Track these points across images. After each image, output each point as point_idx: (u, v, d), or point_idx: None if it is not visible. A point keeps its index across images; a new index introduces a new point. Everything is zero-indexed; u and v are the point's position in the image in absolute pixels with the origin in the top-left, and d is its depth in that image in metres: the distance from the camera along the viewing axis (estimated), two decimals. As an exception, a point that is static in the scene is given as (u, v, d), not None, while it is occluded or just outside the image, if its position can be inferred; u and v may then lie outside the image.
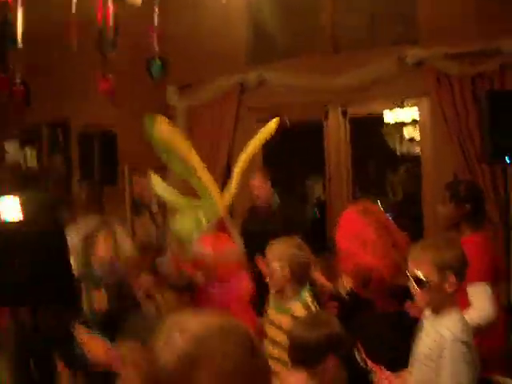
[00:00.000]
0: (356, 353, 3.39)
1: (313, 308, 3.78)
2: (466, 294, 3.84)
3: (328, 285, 4.81)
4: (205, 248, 4.55)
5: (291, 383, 2.87)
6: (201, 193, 4.75)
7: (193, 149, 4.57)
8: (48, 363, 4.77)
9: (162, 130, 4.44)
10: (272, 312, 3.96)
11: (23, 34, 5.77)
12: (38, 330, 4.21)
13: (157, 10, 6.16)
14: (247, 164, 4.94)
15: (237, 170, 4.81)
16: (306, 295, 3.81)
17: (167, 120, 4.46)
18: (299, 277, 3.89)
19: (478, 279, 3.86)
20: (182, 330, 1.49)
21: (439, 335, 2.95)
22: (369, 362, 3.29)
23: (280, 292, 3.97)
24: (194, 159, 4.51)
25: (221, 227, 4.84)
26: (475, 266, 3.68)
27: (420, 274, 2.94)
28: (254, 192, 6.74)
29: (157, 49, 6.35)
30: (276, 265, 3.85)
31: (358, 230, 4.11)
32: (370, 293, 4.03)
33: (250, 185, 6.73)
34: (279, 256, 3.86)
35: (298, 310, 3.75)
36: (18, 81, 6.00)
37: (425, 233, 7.43)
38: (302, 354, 2.92)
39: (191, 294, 4.30)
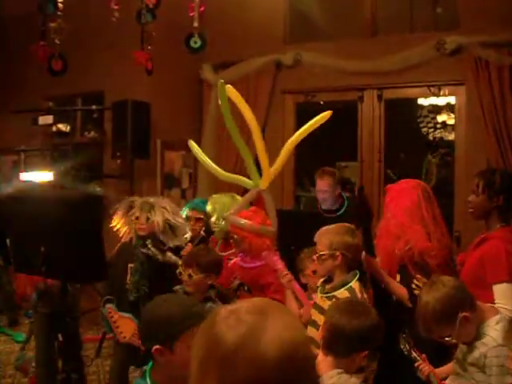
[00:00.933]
0: (402, 340, 3.39)
1: (359, 296, 3.69)
2: (490, 292, 3.75)
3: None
4: (241, 220, 4.55)
5: (320, 366, 2.86)
6: (249, 167, 4.74)
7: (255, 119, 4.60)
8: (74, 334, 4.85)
9: (233, 96, 4.44)
10: (317, 297, 3.91)
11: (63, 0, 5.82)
12: (65, 302, 4.27)
13: (198, -13, 6.18)
14: (292, 149, 4.91)
15: (283, 153, 4.78)
16: (355, 283, 3.75)
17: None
18: (350, 264, 3.81)
19: (507, 279, 3.76)
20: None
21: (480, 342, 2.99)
22: (415, 353, 3.29)
23: (327, 279, 3.92)
24: (255, 128, 4.53)
25: (258, 202, 4.84)
26: (503, 265, 3.66)
27: None
28: (319, 195, 6.34)
29: (196, 25, 6.35)
30: (327, 252, 3.77)
31: (415, 206, 4.15)
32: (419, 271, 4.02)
33: (316, 186, 6.42)
34: (330, 243, 3.78)
35: (345, 298, 3.61)
36: (56, 53, 6.02)
37: (455, 219, 7.40)
38: (334, 341, 2.89)
39: (216, 276, 4.27)
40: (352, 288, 3.68)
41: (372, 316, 2.94)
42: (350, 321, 2.86)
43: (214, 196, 5.50)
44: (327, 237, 3.82)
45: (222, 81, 4.45)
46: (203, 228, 5.58)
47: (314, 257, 3.86)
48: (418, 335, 3.18)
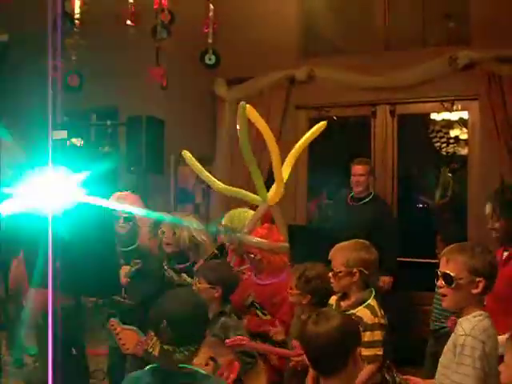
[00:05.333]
0: (385, 369, 3.39)
1: (379, 313, 3.68)
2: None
3: None
4: (256, 239, 4.58)
5: None
6: (257, 184, 4.79)
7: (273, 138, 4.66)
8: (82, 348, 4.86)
9: (252, 116, 4.51)
10: None
11: (80, 17, 5.88)
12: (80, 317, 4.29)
13: (211, 5, 6.23)
14: (294, 161, 4.97)
15: (286, 166, 4.85)
16: (373, 300, 3.74)
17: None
18: (366, 281, 3.80)
19: None
20: None
21: (455, 335, 2.97)
22: (399, 376, 3.29)
23: (343, 295, 3.89)
24: (273, 148, 4.58)
25: (268, 218, 4.88)
26: None
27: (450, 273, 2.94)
28: (354, 179, 6.87)
29: (211, 41, 6.41)
30: (344, 269, 3.74)
31: None
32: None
33: (352, 171, 6.91)
34: (347, 260, 3.75)
35: (367, 316, 3.63)
36: (72, 69, 6.09)
37: (468, 233, 7.38)
38: (323, 357, 2.73)
39: (223, 289, 4.28)
40: (371, 305, 3.68)
41: (335, 320, 2.78)
42: (320, 328, 2.74)
43: (232, 211, 5.51)
44: (343, 254, 3.79)
45: (244, 103, 4.50)
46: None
47: (330, 274, 3.81)
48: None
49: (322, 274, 4.04)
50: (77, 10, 5.75)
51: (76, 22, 5.78)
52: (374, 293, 3.78)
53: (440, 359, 3.05)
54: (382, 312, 3.72)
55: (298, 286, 4.04)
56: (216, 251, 5.38)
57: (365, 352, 3.34)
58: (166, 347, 2.69)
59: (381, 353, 3.56)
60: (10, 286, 5.85)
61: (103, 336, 6.82)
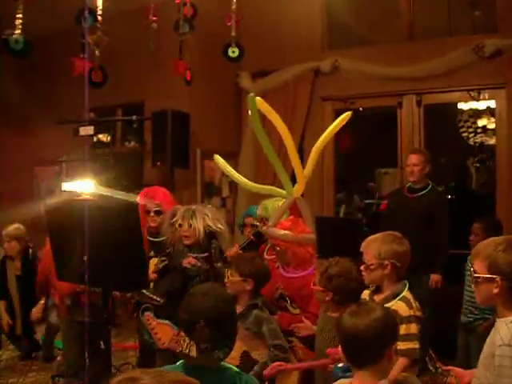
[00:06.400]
0: (427, 359, 3.33)
1: (414, 306, 3.60)
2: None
3: None
4: (282, 231, 4.58)
5: None
6: (281, 176, 4.79)
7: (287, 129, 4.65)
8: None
9: (263, 107, 4.50)
10: None
11: (103, 12, 5.91)
12: (108, 312, 4.30)
13: (235, -2, 6.24)
14: (320, 152, 4.96)
15: (312, 157, 4.84)
16: (407, 292, 3.70)
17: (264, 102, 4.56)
18: (399, 273, 3.72)
19: None
20: None
21: (492, 340, 2.86)
22: (442, 367, 3.23)
23: (376, 289, 3.82)
24: (288, 139, 4.58)
25: (294, 210, 4.86)
26: None
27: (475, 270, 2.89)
28: (408, 169, 6.68)
29: (234, 34, 6.40)
30: (376, 261, 3.68)
31: None
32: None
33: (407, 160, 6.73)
34: (378, 252, 3.69)
35: (403, 309, 3.56)
36: (96, 65, 6.11)
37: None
38: (358, 350, 2.70)
39: (255, 282, 4.28)
40: (406, 298, 3.62)
41: (377, 312, 2.75)
42: (361, 322, 2.70)
43: (265, 201, 5.49)
44: (374, 246, 3.74)
45: (252, 94, 4.50)
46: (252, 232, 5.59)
47: (362, 267, 3.76)
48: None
49: (345, 271, 3.97)
50: (100, 5, 5.76)
51: (99, 17, 5.79)
52: (407, 285, 3.71)
53: (480, 359, 2.98)
54: (418, 304, 3.65)
55: (320, 283, 4.01)
56: (252, 238, 5.38)
57: (400, 345, 3.28)
58: (203, 346, 2.67)
59: (416, 346, 3.49)
60: (38, 280, 5.92)
61: (131, 330, 6.92)
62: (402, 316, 3.50)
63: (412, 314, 3.56)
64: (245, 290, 4.22)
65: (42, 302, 6.44)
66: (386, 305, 3.52)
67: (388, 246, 3.68)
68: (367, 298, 3.80)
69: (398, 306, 3.56)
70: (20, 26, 5.12)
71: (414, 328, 3.52)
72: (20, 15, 5.07)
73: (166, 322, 4.52)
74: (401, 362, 3.41)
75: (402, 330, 3.39)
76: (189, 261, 4.74)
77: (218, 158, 5.18)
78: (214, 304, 2.75)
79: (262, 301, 4.25)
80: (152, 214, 5.28)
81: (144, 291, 4.83)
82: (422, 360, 3.51)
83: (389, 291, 3.70)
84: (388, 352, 2.67)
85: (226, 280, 4.33)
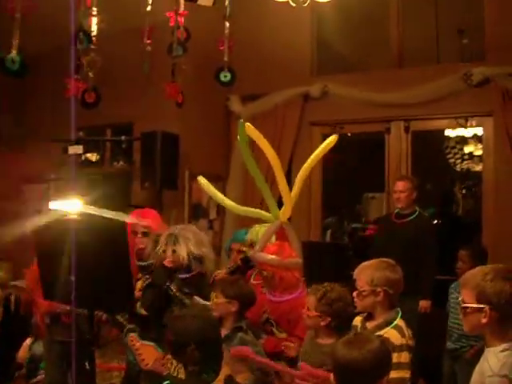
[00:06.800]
0: None
1: (407, 334, 3.59)
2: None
3: None
4: (268, 256, 4.59)
5: None
6: (267, 200, 4.81)
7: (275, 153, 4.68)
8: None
9: (252, 133, 4.54)
10: None
11: (96, 34, 5.94)
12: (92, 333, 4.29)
13: (227, 23, 6.28)
14: (307, 176, 4.99)
15: (298, 181, 4.87)
16: (400, 320, 3.65)
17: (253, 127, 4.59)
18: (392, 301, 3.70)
19: None
20: None
21: (481, 370, 2.83)
22: None
23: (368, 315, 3.79)
24: (275, 163, 4.61)
25: (280, 235, 4.87)
26: None
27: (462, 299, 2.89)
28: (395, 195, 6.79)
29: (226, 59, 6.45)
30: (368, 288, 3.66)
31: None
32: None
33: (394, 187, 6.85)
34: (371, 279, 3.67)
35: (395, 337, 3.52)
36: (89, 86, 6.13)
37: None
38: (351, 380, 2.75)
39: (239, 304, 4.28)
40: (399, 326, 3.60)
41: (373, 343, 2.80)
42: (357, 352, 2.72)
43: (256, 226, 5.50)
44: (368, 272, 3.72)
45: (242, 120, 4.55)
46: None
47: (354, 293, 3.75)
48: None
49: (343, 295, 3.98)
50: (93, 27, 5.80)
51: (93, 39, 5.82)
52: (399, 313, 3.69)
53: None
54: (410, 333, 3.63)
55: (318, 309, 3.99)
56: (240, 263, 5.39)
57: (392, 374, 3.24)
58: (191, 368, 2.67)
59: (408, 375, 3.47)
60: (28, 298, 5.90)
61: (115, 350, 6.87)
62: (394, 344, 3.47)
63: (404, 342, 3.53)
64: (230, 312, 4.23)
65: (28, 342, 6.42)
66: (379, 332, 3.52)
67: (381, 273, 3.66)
68: (359, 325, 3.80)
69: (390, 333, 3.54)
70: (16, 46, 5.12)
71: (405, 357, 3.49)
72: (17, 35, 5.08)
73: (151, 343, 4.51)
74: None
75: (394, 358, 3.33)
76: (168, 261, 4.74)
77: (201, 179, 5.18)
78: (204, 327, 2.76)
79: (246, 324, 4.25)
80: (139, 235, 5.26)
81: (118, 317, 4.82)
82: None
83: (381, 319, 3.67)
84: (380, 383, 2.67)
85: (210, 302, 4.35)
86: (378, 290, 3.64)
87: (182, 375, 2.67)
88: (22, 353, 6.47)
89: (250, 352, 4.02)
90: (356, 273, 3.80)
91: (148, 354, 4.52)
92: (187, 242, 4.81)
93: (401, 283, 3.75)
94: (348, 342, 2.77)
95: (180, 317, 2.84)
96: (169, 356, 2.74)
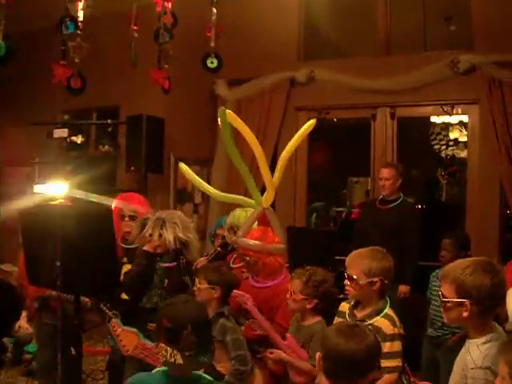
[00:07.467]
0: (403, 376, 3.35)
1: (398, 323, 3.59)
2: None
3: None
4: (251, 241, 4.59)
5: None
6: (250, 187, 4.81)
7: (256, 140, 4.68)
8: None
9: (233, 120, 4.52)
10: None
11: (83, 20, 5.92)
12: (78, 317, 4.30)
13: (214, 9, 6.26)
14: (288, 160, 4.98)
15: (279, 165, 4.86)
16: (389, 309, 3.65)
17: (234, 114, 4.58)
18: (384, 290, 3.69)
19: None
20: None
21: (464, 362, 2.87)
22: (416, 382, 3.25)
23: (355, 303, 3.80)
24: (257, 150, 4.60)
25: (263, 220, 4.87)
26: None
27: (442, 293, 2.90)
28: (380, 182, 6.81)
29: (213, 45, 6.43)
30: (365, 278, 3.62)
31: None
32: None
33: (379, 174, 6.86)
34: (368, 269, 3.63)
35: (386, 327, 3.53)
36: (75, 72, 6.11)
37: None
38: (336, 367, 2.71)
39: (222, 290, 4.30)
40: (390, 315, 3.61)
41: (369, 338, 2.77)
42: (348, 344, 2.69)
43: (235, 210, 5.49)
44: (364, 262, 3.69)
45: (223, 108, 4.53)
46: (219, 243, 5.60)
47: (348, 282, 3.72)
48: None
49: (327, 278, 4.04)
50: (80, 12, 5.77)
51: (79, 24, 5.79)
52: (389, 302, 3.70)
53: (451, 379, 2.98)
54: (399, 321, 3.64)
55: (304, 291, 4.01)
56: (219, 249, 5.40)
57: (385, 363, 3.26)
58: (187, 353, 2.68)
59: (400, 364, 3.50)
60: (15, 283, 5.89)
61: (101, 335, 6.90)
62: (385, 333, 3.50)
63: (396, 332, 3.55)
64: (213, 298, 4.25)
65: (24, 314, 6.45)
66: (369, 321, 3.55)
67: (378, 263, 3.65)
68: (347, 312, 3.80)
69: (381, 322, 3.55)
70: (1, 33, 5.07)
71: (397, 346, 3.52)
72: (2, 21, 5.03)
73: (133, 329, 4.51)
74: (387, 378, 3.40)
75: (386, 347, 3.38)
76: (148, 246, 4.78)
77: (182, 166, 5.17)
78: (198, 310, 2.78)
79: (228, 310, 4.27)
80: (127, 218, 5.27)
81: (101, 305, 4.82)
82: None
83: (371, 307, 3.67)
84: (368, 377, 2.69)
85: (194, 288, 4.36)
86: (375, 280, 3.63)
87: (179, 361, 2.67)
88: (23, 322, 6.53)
89: (250, 302, 4.20)
90: (349, 260, 3.77)
91: (129, 340, 4.50)
92: (174, 227, 4.82)
93: (393, 272, 3.74)
94: (345, 332, 2.74)
95: (170, 304, 2.85)
96: (162, 344, 2.73)
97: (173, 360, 2.68)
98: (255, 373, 4.30)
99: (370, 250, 3.78)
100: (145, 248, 4.80)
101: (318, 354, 2.76)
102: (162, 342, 2.74)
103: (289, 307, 4.16)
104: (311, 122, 4.94)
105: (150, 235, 4.82)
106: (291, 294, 4.07)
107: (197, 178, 5.19)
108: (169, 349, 2.69)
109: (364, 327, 2.95)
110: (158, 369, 2.81)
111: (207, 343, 2.78)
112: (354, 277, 3.67)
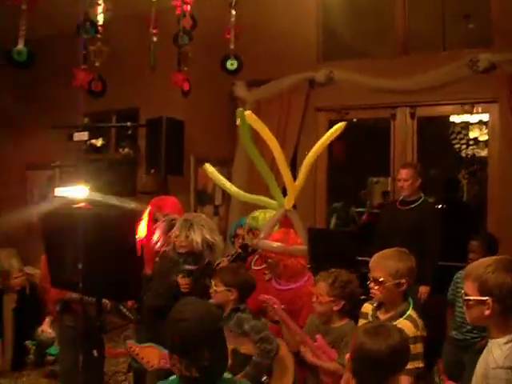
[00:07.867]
0: (435, 370, 3.33)
1: (420, 325, 3.60)
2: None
3: None
4: (273, 243, 4.59)
5: None
6: (272, 188, 4.80)
7: (276, 142, 4.67)
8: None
9: (253, 122, 4.51)
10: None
11: (103, 23, 5.95)
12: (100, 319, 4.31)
13: (233, 11, 6.28)
14: (313, 163, 4.96)
15: (304, 168, 4.84)
16: (412, 311, 3.65)
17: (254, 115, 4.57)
18: (407, 291, 3.69)
19: None
20: None
21: (485, 362, 2.85)
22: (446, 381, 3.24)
23: (379, 305, 3.80)
24: (277, 151, 4.59)
25: (285, 222, 4.86)
26: None
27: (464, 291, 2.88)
28: (399, 184, 6.70)
29: (233, 47, 6.45)
30: (392, 279, 3.63)
31: None
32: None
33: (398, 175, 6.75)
34: (396, 270, 3.64)
35: (409, 329, 3.48)
36: (96, 76, 6.15)
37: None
38: (363, 366, 2.76)
39: (238, 292, 4.30)
40: (412, 317, 3.62)
41: (394, 337, 2.80)
42: (376, 343, 2.75)
43: (256, 212, 5.48)
44: (390, 264, 3.69)
45: (241, 109, 4.52)
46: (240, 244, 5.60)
47: (373, 284, 3.72)
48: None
49: (352, 279, 4.05)
50: (99, 16, 5.80)
51: (99, 28, 5.82)
52: (411, 303, 3.71)
53: (474, 379, 2.95)
54: (422, 323, 3.64)
55: (330, 293, 4.00)
56: (240, 250, 5.40)
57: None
58: (202, 365, 2.64)
59: (421, 365, 3.49)
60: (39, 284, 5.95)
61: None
62: (408, 336, 3.36)
63: (418, 334, 3.55)
64: (229, 300, 4.26)
65: (48, 320, 6.50)
66: (393, 323, 3.51)
67: (405, 264, 3.65)
68: (370, 313, 3.81)
69: (404, 324, 3.51)
70: (23, 38, 5.11)
71: (419, 347, 3.52)
72: (23, 26, 5.07)
73: (150, 344, 4.49)
74: (406, 380, 3.38)
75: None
76: (181, 282, 4.74)
77: (208, 167, 5.17)
78: (211, 328, 2.71)
79: (244, 306, 4.28)
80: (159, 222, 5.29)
81: (121, 307, 4.82)
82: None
83: (395, 309, 3.68)
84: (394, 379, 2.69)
85: (210, 290, 4.36)
86: (403, 281, 3.64)
87: (194, 373, 2.64)
88: (46, 326, 6.57)
89: (278, 305, 4.17)
90: (373, 262, 3.77)
91: (150, 355, 4.48)
92: (202, 229, 4.83)
93: (416, 272, 3.75)
94: (370, 332, 2.79)
95: (183, 320, 2.74)
96: (175, 356, 2.69)
97: (188, 373, 2.65)
98: (282, 351, 4.28)
99: (394, 251, 3.78)
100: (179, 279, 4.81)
101: (347, 355, 2.78)
102: (176, 354, 2.69)
103: (315, 311, 4.15)
104: (340, 125, 4.89)
105: (176, 236, 4.84)
106: (317, 297, 4.06)
107: (222, 178, 5.20)
108: (183, 360, 2.64)
109: (390, 327, 2.95)
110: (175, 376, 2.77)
111: (222, 358, 2.74)
112: (381, 279, 3.67)
